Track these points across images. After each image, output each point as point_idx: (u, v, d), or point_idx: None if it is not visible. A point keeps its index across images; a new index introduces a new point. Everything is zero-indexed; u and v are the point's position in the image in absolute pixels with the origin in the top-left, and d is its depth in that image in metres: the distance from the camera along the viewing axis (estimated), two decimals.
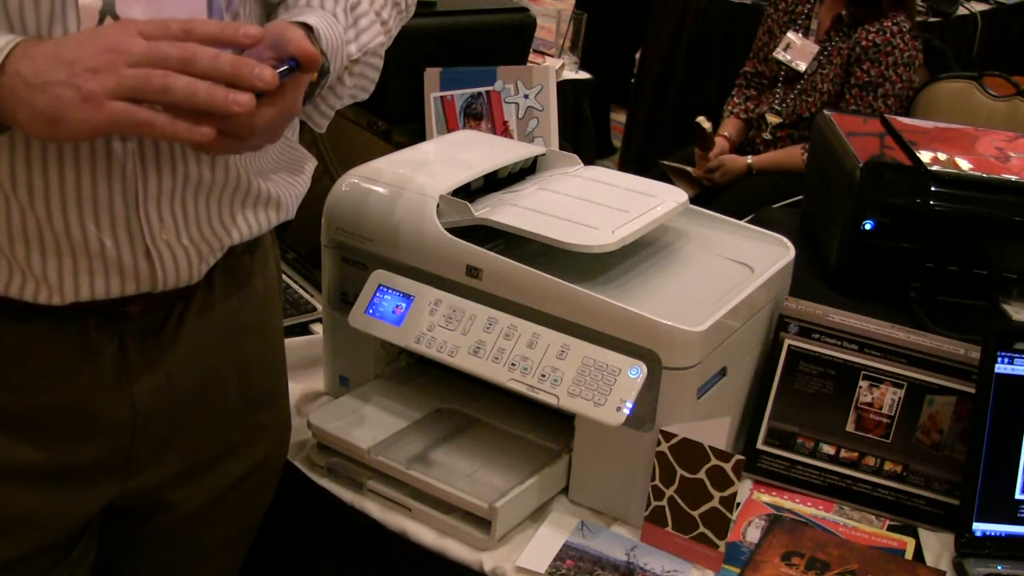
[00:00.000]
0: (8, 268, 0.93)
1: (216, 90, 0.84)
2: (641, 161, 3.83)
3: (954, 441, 1.27)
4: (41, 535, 1.02)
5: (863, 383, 1.29)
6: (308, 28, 0.97)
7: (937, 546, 1.23)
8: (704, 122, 3.09)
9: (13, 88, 0.83)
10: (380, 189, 1.27)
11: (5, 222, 0.91)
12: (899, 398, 1.28)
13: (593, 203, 1.26)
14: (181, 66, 0.84)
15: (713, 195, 3.08)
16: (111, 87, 0.83)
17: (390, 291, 1.23)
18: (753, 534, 1.21)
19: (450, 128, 2.03)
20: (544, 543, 1.17)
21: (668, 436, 1.14)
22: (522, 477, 1.18)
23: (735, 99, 3.31)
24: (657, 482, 1.16)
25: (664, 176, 3.14)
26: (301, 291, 1.64)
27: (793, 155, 3.05)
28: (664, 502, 1.16)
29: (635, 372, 1.10)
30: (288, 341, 1.27)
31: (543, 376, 1.13)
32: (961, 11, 4.02)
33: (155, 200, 0.95)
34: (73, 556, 1.06)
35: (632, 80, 4.67)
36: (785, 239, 1.36)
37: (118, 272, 0.96)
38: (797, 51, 3.12)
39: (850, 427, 1.29)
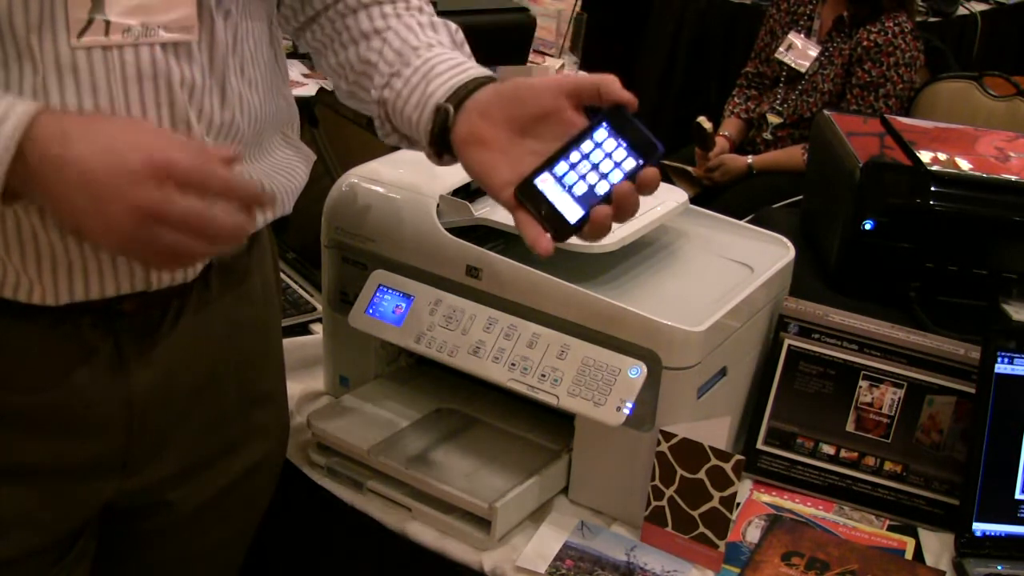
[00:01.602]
0: (4, 269, 0.93)
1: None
2: None
3: (954, 441, 1.26)
4: (39, 535, 1.02)
5: (863, 383, 1.29)
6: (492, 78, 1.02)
7: (937, 546, 1.23)
8: (705, 122, 3.09)
9: (42, 194, 0.83)
10: (380, 189, 1.27)
11: (0, 226, 0.91)
12: (899, 398, 1.28)
13: None
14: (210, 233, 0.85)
15: (713, 195, 3.08)
16: (143, 242, 0.83)
17: (390, 291, 1.23)
18: (753, 534, 1.21)
19: None
20: (544, 543, 1.17)
21: (668, 436, 1.14)
22: (522, 477, 1.18)
23: (736, 99, 3.31)
24: (657, 482, 1.16)
25: (664, 176, 3.13)
26: (301, 291, 1.64)
27: (793, 155, 3.05)
28: (664, 502, 1.16)
29: (635, 372, 1.10)
30: (288, 341, 1.27)
31: (543, 376, 1.13)
32: (961, 11, 4.01)
33: None
34: (71, 556, 1.06)
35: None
36: (785, 239, 1.36)
37: (112, 271, 0.95)
38: (799, 51, 3.12)
39: (850, 427, 1.29)
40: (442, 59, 1.05)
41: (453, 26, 1.14)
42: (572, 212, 0.95)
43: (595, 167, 0.95)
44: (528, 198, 0.95)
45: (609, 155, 0.95)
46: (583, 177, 0.95)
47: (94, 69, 0.88)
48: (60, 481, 1.01)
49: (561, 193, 0.95)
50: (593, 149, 0.96)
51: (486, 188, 1.00)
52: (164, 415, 1.05)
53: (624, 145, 0.95)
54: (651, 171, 0.95)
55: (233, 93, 0.98)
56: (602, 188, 0.94)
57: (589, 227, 0.95)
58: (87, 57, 0.88)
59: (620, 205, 0.94)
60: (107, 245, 0.88)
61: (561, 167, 0.96)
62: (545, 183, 0.95)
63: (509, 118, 0.98)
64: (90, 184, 0.81)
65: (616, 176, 0.94)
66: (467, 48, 1.13)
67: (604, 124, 0.96)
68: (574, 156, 0.96)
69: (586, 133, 0.96)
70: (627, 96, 0.97)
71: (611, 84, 0.97)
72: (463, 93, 1.01)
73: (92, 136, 0.83)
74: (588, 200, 0.94)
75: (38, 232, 0.91)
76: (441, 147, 1.03)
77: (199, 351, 1.06)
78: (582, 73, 0.97)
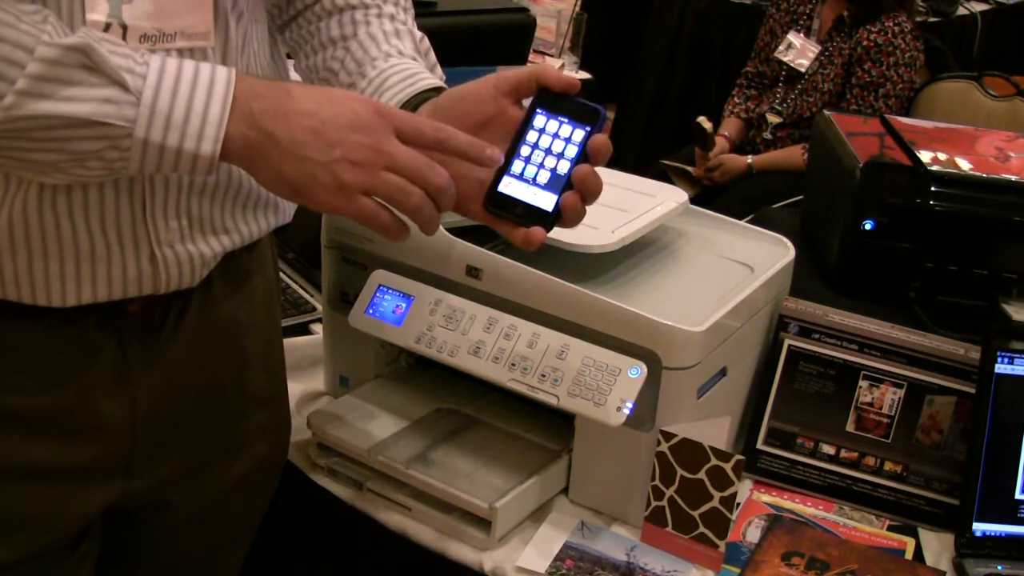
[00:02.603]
0: (8, 271, 0.93)
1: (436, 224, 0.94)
2: (641, 161, 3.83)
3: (954, 441, 1.27)
4: (43, 536, 1.02)
5: (863, 383, 1.29)
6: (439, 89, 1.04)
7: (937, 546, 1.23)
8: (705, 122, 3.09)
9: (262, 147, 0.86)
10: None
11: (7, 228, 0.91)
12: (899, 398, 1.28)
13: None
14: (430, 189, 0.90)
15: (713, 195, 3.09)
16: (366, 186, 0.88)
17: (390, 291, 1.23)
18: (753, 534, 1.21)
19: None
20: (544, 543, 1.17)
21: (668, 436, 1.14)
22: (522, 477, 1.18)
23: (735, 99, 3.31)
24: (657, 482, 1.16)
25: (664, 176, 3.14)
26: (301, 291, 1.64)
27: (793, 155, 3.05)
28: (664, 502, 1.16)
29: (635, 372, 1.10)
30: (288, 341, 1.27)
31: (543, 376, 1.13)
32: (961, 11, 4.02)
33: (162, 205, 0.95)
34: (75, 557, 1.06)
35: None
36: (785, 239, 1.36)
37: (121, 276, 0.96)
38: (798, 51, 3.12)
39: (850, 427, 1.29)
40: (395, 71, 1.06)
41: (419, 34, 1.14)
42: (546, 201, 0.95)
43: (548, 151, 0.96)
44: (499, 206, 0.96)
45: (556, 135, 0.96)
46: (541, 166, 0.96)
47: None
48: (64, 483, 1.01)
49: (528, 188, 0.95)
50: (540, 136, 0.96)
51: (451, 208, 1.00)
52: (167, 416, 1.05)
53: (566, 120, 0.96)
54: (599, 139, 0.95)
55: None
56: (564, 168, 0.95)
57: (564, 215, 0.95)
58: None
59: (583, 188, 0.95)
60: (330, 197, 0.89)
61: (517, 165, 0.96)
62: (509, 186, 0.96)
63: None
64: (320, 131, 0.86)
65: (572, 151, 0.95)
66: (432, 56, 1.14)
67: (539, 110, 0.97)
68: (524, 150, 0.96)
69: (527, 124, 0.97)
70: (568, 80, 0.97)
71: (547, 72, 0.97)
72: (407, 111, 1.01)
73: (311, 92, 0.89)
74: (556, 185, 0.95)
75: (48, 232, 0.91)
76: None
77: (202, 352, 1.06)
78: (515, 68, 0.97)
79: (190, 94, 0.84)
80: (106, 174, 0.87)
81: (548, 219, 0.95)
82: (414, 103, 1.03)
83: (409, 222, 0.93)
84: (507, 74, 0.98)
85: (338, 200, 0.89)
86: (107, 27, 0.87)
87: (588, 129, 0.95)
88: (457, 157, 0.93)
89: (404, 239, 0.94)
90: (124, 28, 0.88)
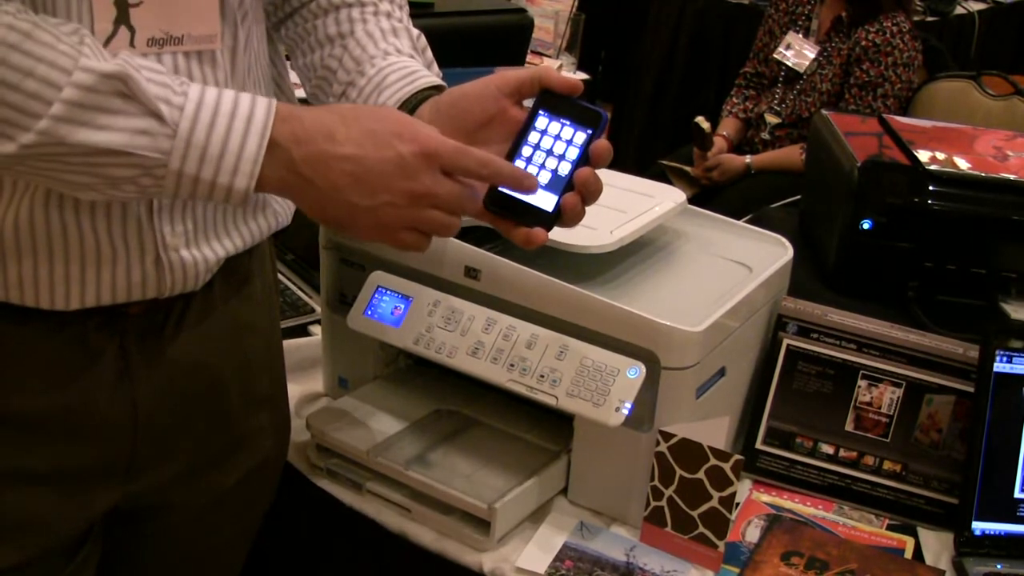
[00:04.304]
0: (12, 274, 0.92)
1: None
2: (639, 161, 3.84)
3: (953, 440, 1.27)
4: (45, 539, 1.02)
5: (862, 382, 1.29)
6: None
7: (936, 545, 1.23)
8: (703, 122, 3.09)
9: (301, 189, 0.87)
10: None
11: (13, 231, 0.91)
12: (898, 397, 1.28)
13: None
14: (467, 215, 0.93)
15: (712, 195, 3.09)
16: (409, 224, 0.90)
17: (388, 292, 1.23)
18: (752, 534, 1.21)
19: None
20: (543, 544, 1.17)
21: (667, 436, 1.14)
22: (521, 478, 1.18)
23: (734, 99, 3.31)
24: (656, 482, 1.16)
25: (662, 176, 3.14)
26: (300, 293, 1.64)
27: (792, 155, 3.05)
28: (663, 502, 1.16)
29: (634, 372, 1.10)
30: (287, 343, 1.27)
31: (542, 377, 1.13)
32: (959, 10, 4.02)
33: (168, 208, 0.95)
34: (77, 560, 1.06)
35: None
36: (783, 239, 1.36)
37: (126, 280, 0.96)
38: (797, 51, 3.12)
39: (849, 426, 1.29)
40: (394, 68, 1.06)
41: (415, 32, 1.14)
42: (546, 202, 0.96)
43: (550, 153, 0.96)
44: (499, 206, 0.96)
45: (558, 137, 0.96)
46: (543, 166, 0.96)
47: None
48: (65, 485, 1.01)
49: None
50: (541, 137, 0.97)
51: None
52: (168, 418, 1.05)
53: (568, 123, 0.96)
54: (601, 143, 0.96)
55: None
56: (564, 169, 0.96)
57: (564, 215, 0.96)
58: None
59: (584, 190, 0.96)
60: (373, 234, 0.91)
61: (519, 165, 0.96)
62: None
63: (455, 131, 0.98)
64: (363, 178, 0.86)
65: (573, 153, 0.96)
66: (429, 54, 1.14)
67: (541, 111, 0.97)
68: (526, 151, 0.97)
69: (528, 125, 0.97)
70: (570, 82, 0.97)
71: (550, 74, 0.98)
72: (406, 110, 1.02)
73: (354, 132, 0.88)
74: (557, 185, 0.96)
75: (54, 236, 0.91)
76: None
77: (203, 354, 1.06)
78: (517, 69, 0.98)
79: (228, 127, 0.84)
80: (141, 197, 0.87)
81: (548, 219, 0.96)
82: (414, 101, 1.03)
83: None
84: (509, 75, 0.99)
85: (381, 235, 0.91)
86: (115, 32, 0.87)
87: (589, 132, 0.96)
88: (505, 184, 0.95)
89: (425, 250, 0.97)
90: (132, 31, 0.88)
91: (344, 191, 0.87)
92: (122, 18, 0.87)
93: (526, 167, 0.96)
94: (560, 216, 0.96)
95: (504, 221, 0.97)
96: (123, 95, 0.81)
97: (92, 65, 0.80)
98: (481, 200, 0.94)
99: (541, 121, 0.97)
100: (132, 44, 0.88)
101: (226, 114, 0.84)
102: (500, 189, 0.96)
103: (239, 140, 0.84)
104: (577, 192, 0.95)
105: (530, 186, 0.94)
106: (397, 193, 0.88)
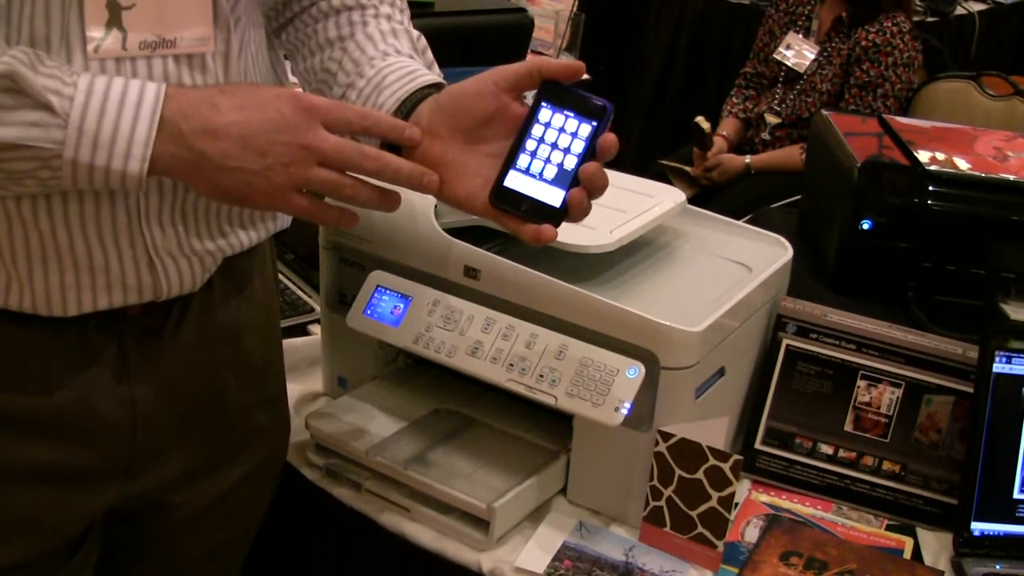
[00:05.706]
0: (9, 281, 0.93)
1: (391, 200, 0.96)
2: (639, 161, 3.84)
3: (952, 440, 1.27)
4: (44, 539, 1.02)
5: (861, 383, 1.29)
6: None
7: (935, 545, 1.23)
8: (703, 122, 3.09)
9: (194, 164, 0.87)
10: None
11: (7, 236, 0.91)
12: (897, 398, 1.28)
13: None
14: (364, 174, 0.92)
15: (711, 195, 3.09)
16: (300, 183, 0.89)
17: (388, 292, 1.23)
18: (751, 534, 1.21)
19: None
20: (542, 543, 1.17)
21: (666, 436, 1.14)
22: (520, 478, 1.18)
23: (734, 99, 3.31)
24: (655, 482, 1.16)
25: (662, 176, 3.14)
26: (299, 292, 1.64)
27: (792, 155, 3.05)
28: (662, 502, 1.16)
29: (633, 372, 1.10)
30: (286, 342, 1.27)
31: (541, 376, 1.13)
32: (959, 11, 4.01)
33: (156, 212, 0.95)
34: (76, 560, 1.06)
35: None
36: (783, 239, 1.36)
37: (121, 285, 0.96)
38: (797, 51, 3.12)
39: (848, 427, 1.29)
40: (393, 68, 1.06)
41: (415, 33, 1.14)
42: (553, 197, 0.94)
43: (555, 146, 0.94)
44: (505, 201, 0.95)
45: (563, 130, 0.95)
46: (548, 160, 0.94)
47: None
48: (65, 485, 1.01)
49: (535, 184, 0.94)
50: (545, 131, 0.95)
51: (454, 205, 0.99)
52: (168, 419, 1.05)
53: (572, 114, 0.95)
54: (608, 136, 0.94)
55: None
56: (570, 163, 0.94)
57: (570, 211, 0.95)
58: (100, 67, 0.88)
59: (590, 185, 0.94)
60: (268, 200, 0.91)
61: (523, 160, 0.95)
62: (515, 181, 0.95)
63: (455, 129, 0.97)
64: (249, 141, 0.87)
65: (578, 146, 0.94)
66: (429, 54, 1.14)
67: (544, 103, 0.95)
68: (530, 145, 0.95)
69: (532, 119, 0.95)
70: (571, 66, 0.96)
71: (548, 62, 0.96)
72: (406, 109, 1.02)
73: (237, 99, 0.89)
74: (563, 180, 0.94)
75: (46, 240, 0.91)
76: None
77: (202, 354, 1.06)
78: (514, 63, 0.97)
79: (117, 113, 0.84)
80: (41, 191, 0.88)
81: (555, 214, 0.94)
82: (413, 100, 1.03)
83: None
84: (506, 69, 0.97)
85: (276, 202, 0.90)
86: (106, 33, 0.87)
87: (595, 124, 0.94)
88: (382, 139, 0.96)
89: (354, 225, 0.97)
90: (124, 34, 0.88)
91: (234, 157, 0.87)
92: (114, 21, 0.87)
93: (531, 161, 0.94)
94: (567, 212, 0.94)
95: (511, 218, 0.95)
96: (12, 91, 0.82)
97: None
98: (376, 161, 0.93)
99: (544, 113, 0.95)
100: (124, 47, 0.88)
101: (115, 100, 0.84)
102: (506, 185, 0.95)
103: (129, 124, 0.84)
104: (583, 187, 0.94)
105: (411, 136, 0.95)
106: (283, 150, 0.88)
